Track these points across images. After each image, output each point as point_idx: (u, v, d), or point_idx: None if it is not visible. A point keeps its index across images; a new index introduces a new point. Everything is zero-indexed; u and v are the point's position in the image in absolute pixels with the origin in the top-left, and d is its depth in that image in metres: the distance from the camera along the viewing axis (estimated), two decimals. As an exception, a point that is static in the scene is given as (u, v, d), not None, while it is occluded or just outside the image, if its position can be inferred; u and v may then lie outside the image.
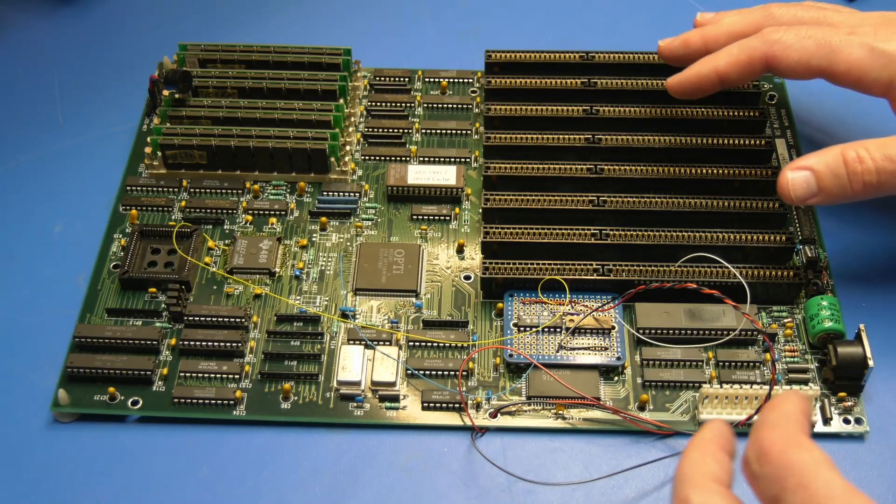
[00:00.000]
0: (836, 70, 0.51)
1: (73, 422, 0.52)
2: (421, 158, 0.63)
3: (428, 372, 0.53)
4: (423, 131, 0.64)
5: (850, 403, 0.51)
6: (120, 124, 0.66)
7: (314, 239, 0.59)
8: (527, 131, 0.60)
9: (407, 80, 0.67)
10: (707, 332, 0.53)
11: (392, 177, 0.61)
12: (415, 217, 0.60)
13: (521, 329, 0.54)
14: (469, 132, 0.64)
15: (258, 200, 0.60)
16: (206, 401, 0.52)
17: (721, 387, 0.50)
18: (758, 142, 0.59)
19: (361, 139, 0.64)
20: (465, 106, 0.66)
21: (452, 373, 0.53)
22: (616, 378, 0.53)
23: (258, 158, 0.61)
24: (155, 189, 0.61)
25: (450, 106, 0.66)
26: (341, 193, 0.61)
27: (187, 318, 0.54)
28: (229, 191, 0.61)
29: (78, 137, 0.66)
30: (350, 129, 0.63)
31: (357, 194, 0.61)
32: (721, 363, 0.53)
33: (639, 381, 0.52)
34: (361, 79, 0.67)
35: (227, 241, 0.59)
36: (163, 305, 0.55)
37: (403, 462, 0.50)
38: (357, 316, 0.55)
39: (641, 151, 0.59)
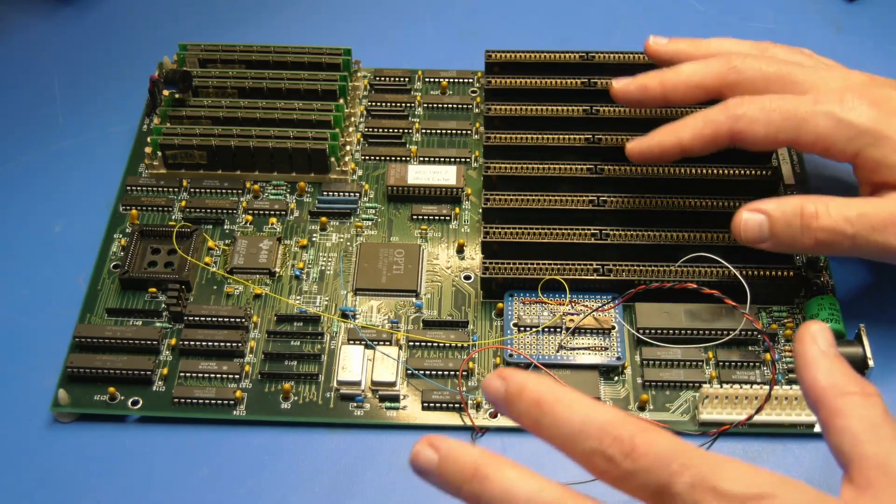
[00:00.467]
0: (802, 142, 0.51)
1: (73, 422, 0.52)
2: (421, 158, 0.63)
3: (428, 372, 0.53)
4: (424, 131, 0.64)
5: (850, 403, 0.51)
6: (120, 124, 0.66)
7: (314, 239, 0.59)
8: (527, 131, 0.60)
9: (407, 80, 0.67)
10: (707, 332, 0.53)
11: (392, 177, 0.61)
12: (415, 217, 0.60)
13: (522, 329, 0.54)
14: (469, 132, 0.64)
15: (258, 200, 0.60)
16: (207, 401, 0.52)
17: (721, 387, 0.50)
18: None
19: (361, 139, 0.64)
20: (465, 106, 0.66)
21: (452, 373, 0.53)
22: (616, 378, 0.53)
23: (258, 158, 0.61)
24: (155, 189, 0.61)
25: (450, 106, 0.66)
26: (341, 193, 0.61)
27: (187, 318, 0.54)
28: (229, 191, 0.61)
29: (78, 137, 0.65)
30: (350, 129, 0.63)
31: (357, 194, 0.61)
32: (721, 363, 0.53)
33: (639, 381, 0.52)
34: (361, 79, 0.67)
35: (227, 241, 0.59)
36: (163, 305, 0.55)
37: (403, 462, 0.50)
38: (357, 316, 0.55)
39: (641, 151, 0.59)
